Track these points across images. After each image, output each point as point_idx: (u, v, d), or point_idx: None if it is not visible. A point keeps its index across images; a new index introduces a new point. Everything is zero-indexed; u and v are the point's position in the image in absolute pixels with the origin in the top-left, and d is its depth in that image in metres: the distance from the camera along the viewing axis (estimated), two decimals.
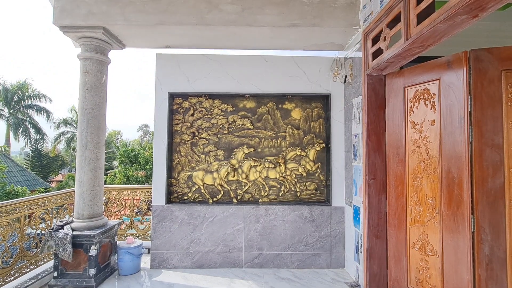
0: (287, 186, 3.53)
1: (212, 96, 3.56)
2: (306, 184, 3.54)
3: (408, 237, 2.52)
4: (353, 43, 3.17)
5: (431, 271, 2.32)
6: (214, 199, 3.50)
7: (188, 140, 3.54)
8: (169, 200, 3.46)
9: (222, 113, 3.57)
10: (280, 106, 3.59)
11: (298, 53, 3.56)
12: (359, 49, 3.04)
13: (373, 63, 2.67)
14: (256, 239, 3.36)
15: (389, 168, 2.72)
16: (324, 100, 3.58)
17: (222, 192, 3.51)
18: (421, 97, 2.45)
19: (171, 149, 3.52)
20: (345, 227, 3.35)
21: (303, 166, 3.52)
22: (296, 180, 3.54)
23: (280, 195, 3.53)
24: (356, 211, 2.98)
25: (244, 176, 3.51)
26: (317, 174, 3.55)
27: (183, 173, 3.52)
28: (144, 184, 14.52)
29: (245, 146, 3.50)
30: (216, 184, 3.50)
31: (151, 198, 3.85)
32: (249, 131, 3.56)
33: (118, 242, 3.31)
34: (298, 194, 3.53)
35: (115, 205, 4.03)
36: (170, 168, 3.48)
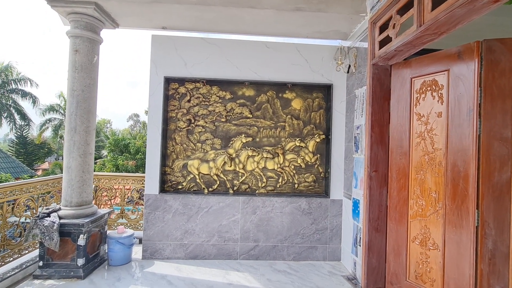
0: (285, 178, 3.45)
1: (210, 82, 3.41)
2: (305, 176, 3.47)
3: (409, 231, 2.49)
4: (358, 32, 3.07)
5: (432, 265, 2.29)
6: (210, 189, 3.39)
7: (184, 128, 3.40)
8: (162, 189, 3.33)
9: (220, 101, 3.43)
10: (280, 95, 3.47)
11: (300, 41, 3.44)
12: (363, 39, 2.94)
13: (380, 52, 2.58)
14: (252, 231, 3.28)
15: (391, 160, 2.66)
16: (325, 90, 3.49)
17: (218, 182, 3.40)
18: (429, 88, 2.38)
19: (166, 136, 3.37)
20: (343, 220, 3.30)
21: (302, 157, 3.43)
22: (294, 171, 3.46)
23: (278, 186, 3.45)
24: (355, 204, 2.93)
25: (241, 166, 3.40)
26: (316, 166, 3.47)
27: (177, 162, 3.38)
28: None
29: (243, 135, 3.39)
30: (212, 174, 3.39)
31: (143, 187, 3.72)
32: (248, 120, 3.45)
33: (108, 231, 3.18)
34: (296, 186, 3.45)
35: (105, 193, 3.87)
36: (164, 156, 3.34)
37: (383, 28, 2.64)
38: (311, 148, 3.45)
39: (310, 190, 3.47)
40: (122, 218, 3.83)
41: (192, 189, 3.40)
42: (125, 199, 3.87)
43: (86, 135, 2.89)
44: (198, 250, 3.24)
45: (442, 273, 2.21)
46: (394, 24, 2.36)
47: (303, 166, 3.43)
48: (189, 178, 3.38)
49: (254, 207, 3.30)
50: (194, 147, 3.41)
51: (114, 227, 3.76)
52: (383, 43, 2.63)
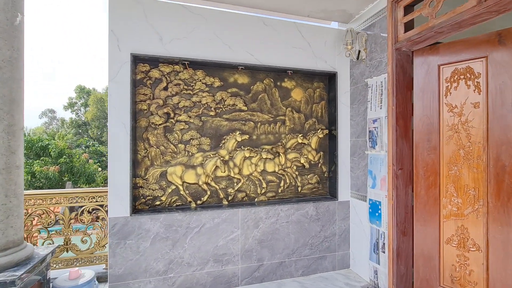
0: (287, 181, 2.95)
1: (194, 65, 2.64)
2: (308, 177, 3.03)
3: (441, 232, 2.29)
4: (367, 14, 2.75)
5: (472, 267, 2.13)
6: (198, 202, 2.66)
7: (161, 124, 2.56)
8: (135, 209, 2.45)
9: (207, 89, 2.70)
10: (278, 83, 2.93)
11: (301, 22, 2.94)
12: (375, 22, 2.63)
13: (407, 34, 2.29)
14: (255, 248, 2.70)
15: (417, 156, 2.42)
16: (327, 79, 3.10)
17: (208, 193, 2.69)
18: (462, 76, 2.18)
19: (135, 137, 2.48)
20: (351, 224, 3.00)
21: (305, 156, 2.98)
22: (297, 173, 2.99)
23: (280, 191, 2.93)
24: (374, 206, 2.63)
25: (236, 170, 2.76)
26: (319, 165, 3.07)
27: (153, 170, 2.53)
28: (59, 183, 11.77)
29: (238, 133, 2.74)
30: (200, 183, 2.65)
31: (97, 206, 2.74)
32: (242, 113, 2.81)
33: (54, 281, 2.16)
34: (300, 189, 2.99)
35: (36, 220, 2.72)
36: (134, 163, 2.45)
37: (407, 9, 2.36)
38: (314, 145, 3.03)
39: (315, 192, 3.06)
40: (67, 252, 2.75)
41: (174, 204, 2.60)
42: (70, 225, 2.79)
43: (8, 138, 1.83)
44: (189, 282, 2.50)
45: (485, 276, 2.06)
46: (431, 2, 2.08)
47: (307, 166, 2.98)
48: (170, 190, 2.58)
49: (257, 219, 2.71)
50: (175, 150, 2.61)
51: (57, 265, 2.67)
52: (408, 26, 2.36)
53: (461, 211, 2.18)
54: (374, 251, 2.65)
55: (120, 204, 2.34)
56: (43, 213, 2.69)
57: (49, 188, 11.60)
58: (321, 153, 3.07)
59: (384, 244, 2.54)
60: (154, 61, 2.52)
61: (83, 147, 20.90)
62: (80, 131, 28.11)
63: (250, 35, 2.72)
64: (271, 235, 2.75)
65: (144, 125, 2.52)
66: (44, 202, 2.68)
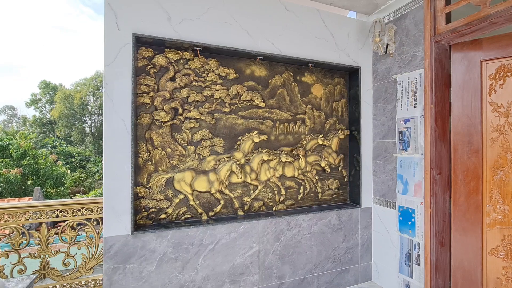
0: (307, 186, 2.65)
1: (206, 52, 2.25)
2: (328, 182, 2.75)
3: (484, 242, 2.11)
4: (396, 4, 2.53)
5: None
6: (210, 213, 2.27)
7: (167, 121, 2.14)
8: (136, 225, 2.01)
9: (221, 81, 2.32)
10: (298, 78, 2.62)
11: (323, 9, 2.66)
12: (406, 11, 2.42)
13: (451, 25, 2.08)
14: (276, 265, 2.36)
15: (455, 160, 2.23)
16: (347, 75, 2.84)
17: (222, 202, 2.30)
18: (509, 73, 2.01)
19: (135, 136, 2.04)
20: (374, 232, 2.76)
21: (326, 159, 2.70)
22: (317, 177, 2.69)
23: (299, 199, 2.61)
24: (406, 214, 2.40)
25: (253, 176, 2.40)
26: (339, 168, 2.81)
27: (157, 176, 2.10)
28: (22, 187, 10.57)
29: (255, 133, 2.39)
30: (213, 191, 2.26)
31: (83, 220, 2.26)
32: (259, 110, 2.46)
33: None
34: (320, 195, 2.70)
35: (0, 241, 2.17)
36: (135, 169, 2.01)
37: None
38: (334, 147, 2.75)
39: (335, 199, 2.78)
40: (44, 279, 2.23)
41: (183, 217, 2.19)
42: (47, 243, 2.27)
43: None
44: None
45: None
46: None
47: (328, 170, 2.70)
48: (177, 200, 2.16)
49: (277, 231, 2.37)
50: (184, 152, 2.20)
51: None
52: (448, 17, 2.16)
53: (508, 219, 2.00)
54: (405, 263, 2.42)
55: (119, 221, 1.89)
56: (13, 231, 2.14)
57: (10, 194, 10.34)
58: (341, 155, 2.80)
59: (419, 256, 2.32)
60: (160, 45, 2.10)
61: (49, 148, 19.22)
62: (45, 130, 25.91)
63: (271, 21, 2.38)
64: (292, 249, 2.43)
65: (146, 122, 2.08)
66: (14, 219, 2.14)
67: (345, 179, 2.84)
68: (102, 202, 2.24)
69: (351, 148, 2.82)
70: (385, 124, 2.63)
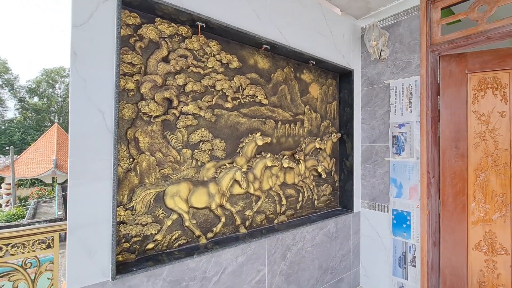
0: (305, 194, 2.43)
1: (207, 31, 1.78)
2: (323, 187, 2.60)
3: (469, 239, 2.30)
4: (389, 11, 2.58)
5: (500, 270, 2.20)
6: (209, 234, 1.79)
7: (158, 116, 1.57)
8: (120, 265, 1.38)
9: (222, 69, 1.87)
10: (297, 75, 2.38)
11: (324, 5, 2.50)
12: (400, 19, 2.49)
13: (447, 37, 2.21)
14: (282, 287, 2.05)
15: (444, 163, 2.38)
16: (338, 77, 2.77)
17: (223, 220, 1.85)
18: (489, 86, 2.25)
19: (117, 137, 1.41)
20: (362, 237, 2.75)
21: (322, 163, 2.54)
22: (314, 183, 2.51)
23: (298, 207, 2.37)
24: (400, 217, 2.44)
25: (257, 185, 2.03)
26: (332, 173, 2.69)
27: (143, 192, 1.51)
28: None
29: (258, 135, 2.03)
30: (214, 206, 1.79)
31: (40, 254, 1.50)
32: (262, 108, 2.11)
33: None
34: (316, 202, 2.52)
35: None
36: (117, 184, 1.38)
37: (444, 11, 2.29)
38: (328, 150, 2.63)
39: (328, 205, 2.65)
40: None
41: (176, 244, 1.65)
42: None
43: None
44: None
45: None
46: (480, 6, 2.04)
47: (324, 175, 2.54)
48: (169, 222, 1.61)
49: (284, 248, 2.07)
50: (179, 157, 1.66)
51: None
52: (444, 28, 2.29)
53: (489, 216, 2.23)
54: (399, 266, 2.46)
55: (91, 261, 1.25)
56: None
57: None
58: (334, 159, 2.70)
59: (414, 257, 2.38)
60: (149, 11, 1.53)
61: None
62: None
63: (280, 6, 2.07)
64: (297, 266, 2.16)
65: (129, 116, 1.48)
66: None
67: (336, 184, 2.75)
68: (39, 233, 1.51)
69: (341, 152, 2.75)
70: (376, 128, 2.64)
